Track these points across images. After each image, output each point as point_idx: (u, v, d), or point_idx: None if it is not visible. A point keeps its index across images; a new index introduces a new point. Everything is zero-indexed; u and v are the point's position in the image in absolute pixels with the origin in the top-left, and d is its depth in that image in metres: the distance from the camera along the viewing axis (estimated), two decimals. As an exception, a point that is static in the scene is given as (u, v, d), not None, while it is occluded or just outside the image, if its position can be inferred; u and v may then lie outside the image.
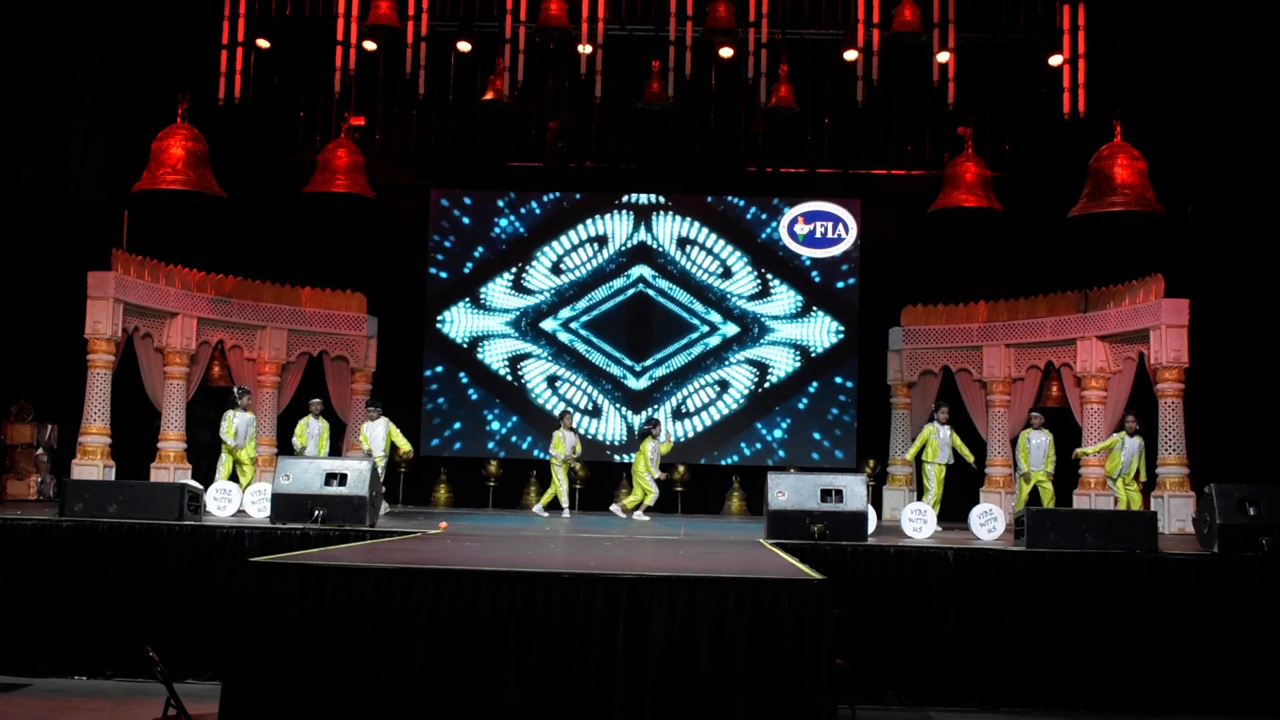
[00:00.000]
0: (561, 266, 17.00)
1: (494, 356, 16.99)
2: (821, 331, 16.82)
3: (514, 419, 16.93)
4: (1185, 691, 9.02)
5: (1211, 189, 14.91)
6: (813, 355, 16.82)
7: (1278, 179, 13.93)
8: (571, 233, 17.06)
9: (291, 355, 15.52)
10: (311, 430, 13.18)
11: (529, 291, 17.00)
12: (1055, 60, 14.08)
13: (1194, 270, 14.12)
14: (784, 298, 16.88)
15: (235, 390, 13.13)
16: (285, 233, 16.89)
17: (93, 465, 12.93)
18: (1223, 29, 14.82)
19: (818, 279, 16.86)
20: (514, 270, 17.02)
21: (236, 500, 11.23)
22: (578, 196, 17.10)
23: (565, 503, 14.15)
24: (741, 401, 16.81)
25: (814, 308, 16.85)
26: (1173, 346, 12.86)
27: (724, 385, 16.84)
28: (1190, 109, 15.07)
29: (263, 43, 15.05)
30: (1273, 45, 14.02)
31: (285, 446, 13.50)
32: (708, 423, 16.80)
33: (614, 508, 14.15)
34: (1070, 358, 14.42)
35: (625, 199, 17.06)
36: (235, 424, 12.74)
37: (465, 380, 17.00)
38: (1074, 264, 15.33)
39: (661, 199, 17.04)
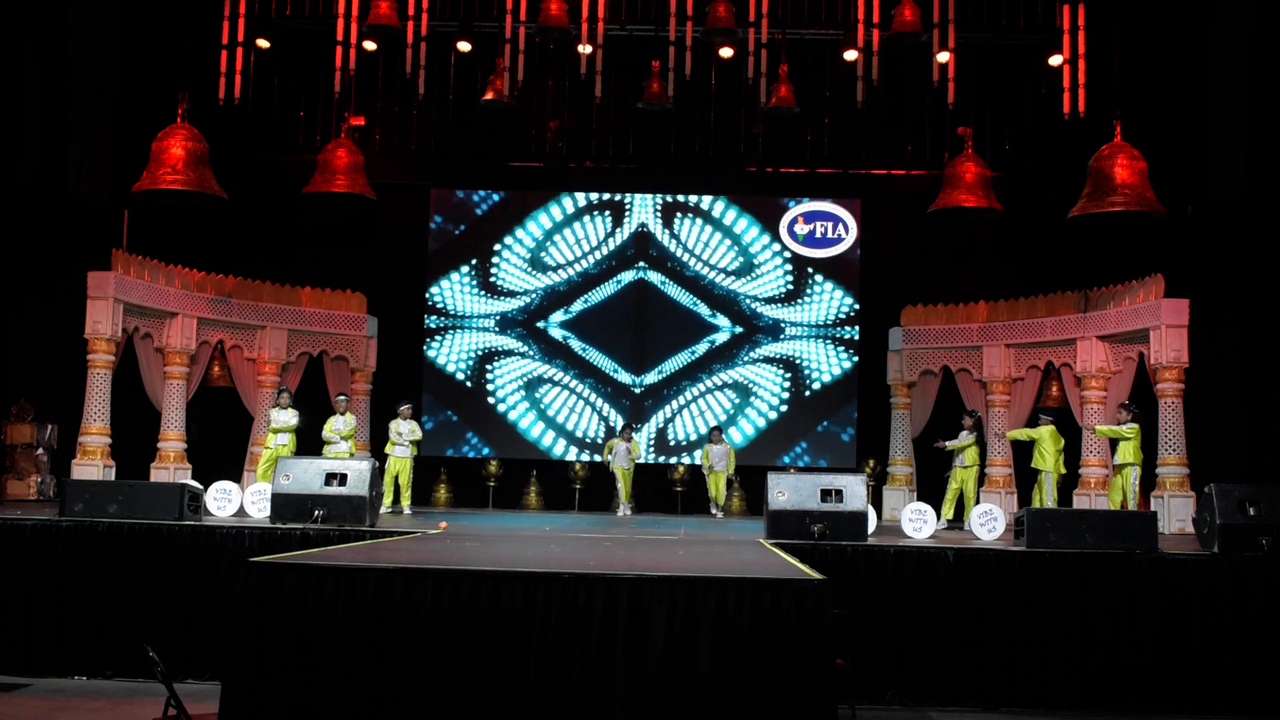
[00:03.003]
0: (561, 266, 17.00)
1: (494, 356, 16.99)
2: (821, 331, 16.82)
3: (513, 419, 16.93)
4: (1185, 691, 9.02)
5: (1211, 189, 14.92)
6: (812, 355, 16.82)
7: (1278, 179, 13.93)
8: (571, 232, 17.06)
9: (291, 355, 15.53)
10: (336, 424, 13.35)
11: (528, 292, 17.00)
12: (1055, 60, 14.07)
13: (1194, 270, 14.12)
14: (783, 298, 16.88)
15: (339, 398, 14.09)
16: (285, 233, 16.90)
17: (93, 465, 12.94)
18: (1223, 29, 14.82)
19: (817, 279, 16.86)
20: (513, 270, 17.01)
21: (236, 500, 11.24)
22: (577, 197, 17.10)
23: (621, 500, 15.00)
24: (739, 401, 16.80)
25: (813, 307, 16.84)
26: (1173, 346, 12.86)
27: (724, 386, 16.84)
28: (1190, 109, 15.07)
29: (263, 43, 15.04)
30: (1273, 45, 14.02)
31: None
32: (709, 424, 16.80)
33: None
34: (1070, 358, 14.42)
35: (625, 198, 17.06)
36: (335, 425, 13.41)
37: (465, 380, 17.00)
38: (1074, 264, 15.33)
39: (663, 199, 17.04)
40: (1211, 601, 9.10)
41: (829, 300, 16.81)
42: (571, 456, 16.75)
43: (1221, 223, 14.61)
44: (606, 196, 17.08)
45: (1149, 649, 9.06)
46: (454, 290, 17.02)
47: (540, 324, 16.99)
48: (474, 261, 17.03)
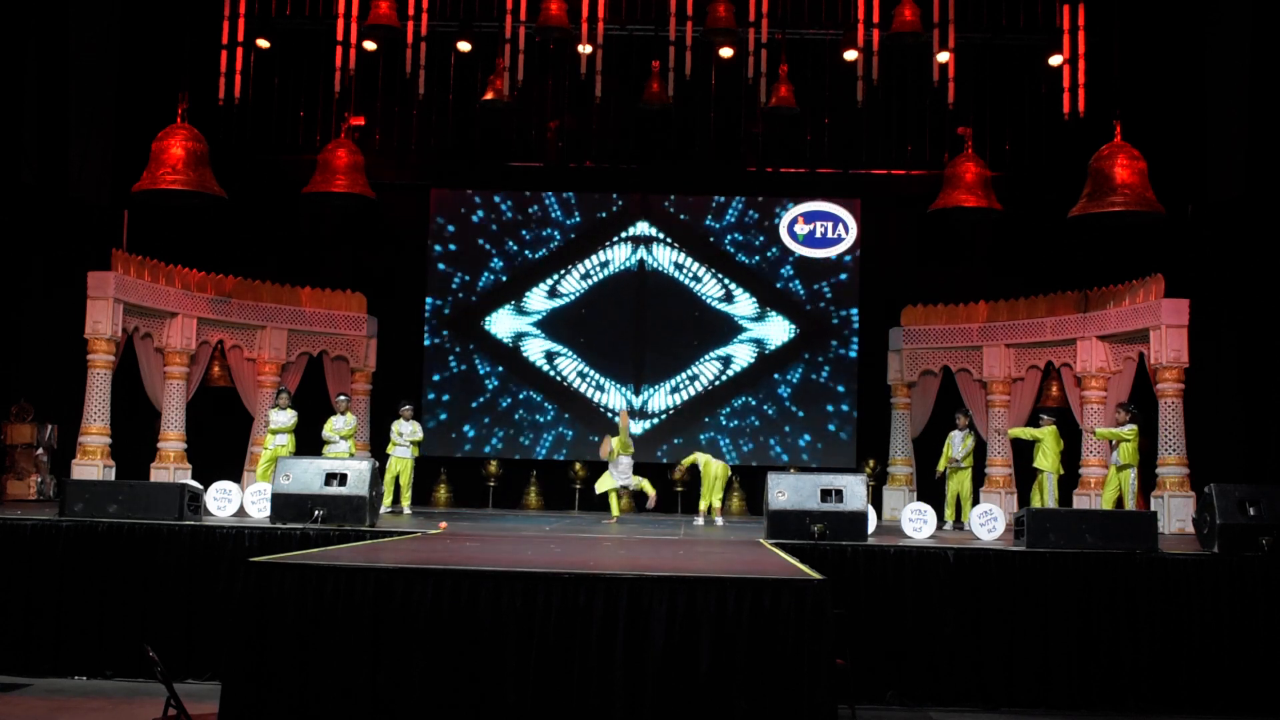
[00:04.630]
0: (561, 266, 16.99)
1: (494, 356, 16.99)
2: (821, 331, 16.81)
3: (514, 419, 16.92)
4: (1185, 691, 9.03)
5: (1211, 189, 14.91)
6: (812, 355, 16.81)
7: (1278, 179, 13.92)
8: (571, 232, 17.06)
9: (291, 355, 15.52)
10: (337, 424, 13.36)
11: (528, 291, 16.99)
12: (1055, 60, 14.08)
13: (1194, 270, 14.12)
14: (783, 298, 16.87)
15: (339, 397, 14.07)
16: (285, 233, 16.89)
17: (93, 465, 12.93)
18: (1223, 29, 14.82)
19: (817, 279, 16.85)
20: (513, 270, 17.01)
21: (236, 500, 11.24)
22: (576, 197, 17.09)
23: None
24: (739, 402, 16.80)
25: (813, 308, 16.83)
26: (1173, 346, 12.85)
27: (724, 385, 16.84)
28: (1190, 109, 15.06)
29: (263, 43, 15.04)
30: (1273, 45, 14.02)
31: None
32: (707, 423, 16.80)
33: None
34: (1070, 358, 14.42)
35: (625, 198, 17.05)
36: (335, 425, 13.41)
37: (465, 380, 16.99)
38: (1074, 264, 15.33)
39: (661, 201, 17.04)
40: (1211, 601, 9.11)
41: (799, 304, 16.82)
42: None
43: (1221, 223, 14.60)
44: (609, 220, 17.02)
45: (1149, 649, 9.07)
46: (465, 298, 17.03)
47: (487, 320, 16.96)
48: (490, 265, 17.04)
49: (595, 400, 16.88)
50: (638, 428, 16.59)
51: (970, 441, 13.49)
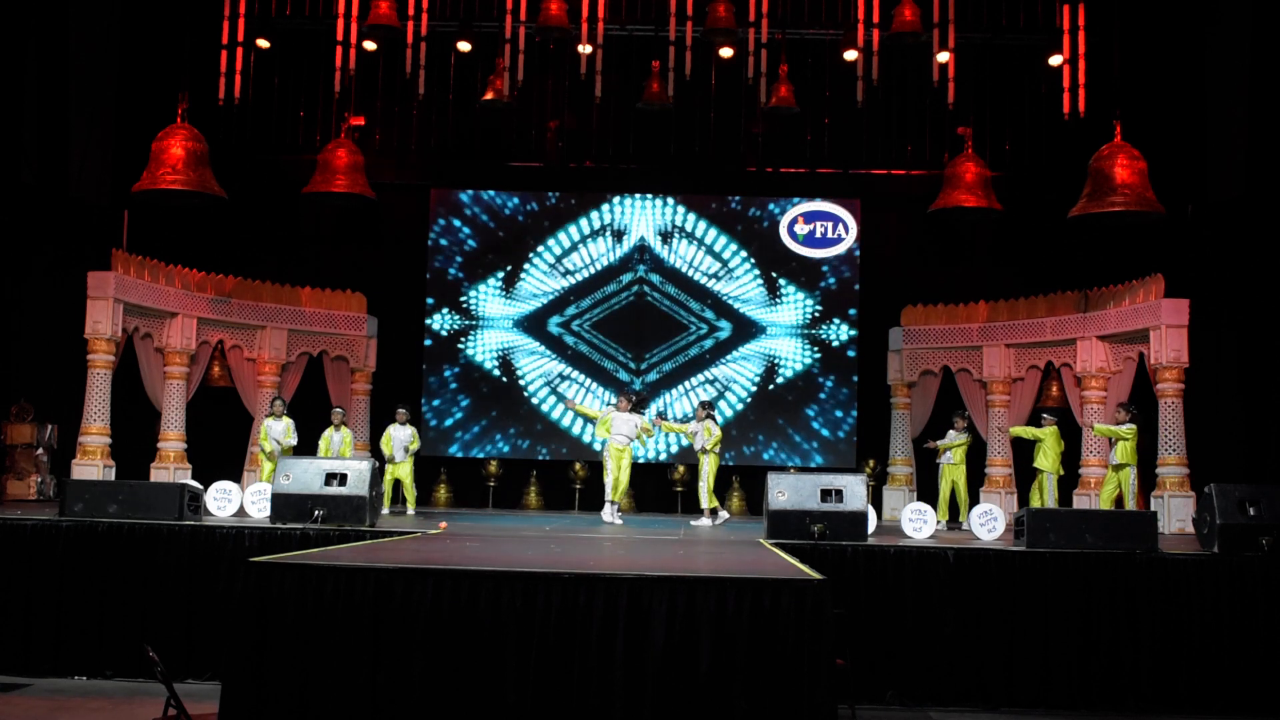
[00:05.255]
0: (560, 266, 16.99)
1: (493, 356, 16.99)
2: (821, 332, 16.81)
3: (514, 418, 16.92)
4: (1185, 691, 9.03)
5: (1211, 189, 14.91)
6: (812, 355, 16.82)
7: (1278, 179, 13.93)
8: (571, 233, 17.06)
9: (291, 355, 15.52)
10: (334, 442, 13.33)
11: (527, 291, 16.99)
12: (1055, 60, 14.08)
13: (1194, 270, 14.12)
14: (783, 298, 16.88)
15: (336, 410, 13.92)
16: (285, 233, 16.89)
17: (93, 465, 12.93)
18: (1223, 29, 14.82)
19: (817, 279, 16.86)
20: (513, 270, 17.01)
21: (236, 500, 11.24)
22: (575, 199, 17.10)
23: (609, 498, 12.61)
24: (741, 402, 16.80)
25: (813, 308, 16.84)
26: (1173, 346, 12.86)
27: (724, 386, 16.84)
28: (1190, 109, 15.07)
29: (263, 43, 15.05)
30: (1273, 45, 14.03)
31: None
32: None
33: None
34: (1070, 358, 14.42)
35: (624, 199, 17.05)
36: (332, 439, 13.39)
37: (465, 380, 16.99)
38: (1074, 264, 15.34)
39: (661, 201, 17.03)
40: (1211, 601, 9.11)
41: (800, 304, 16.83)
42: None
43: (1221, 223, 14.61)
44: (608, 220, 17.01)
45: (1149, 649, 9.07)
46: (480, 296, 17.01)
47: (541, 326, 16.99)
48: (493, 267, 17.03)
49: (595, 398, 16.87)
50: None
51: (962, 439, 13.41)
